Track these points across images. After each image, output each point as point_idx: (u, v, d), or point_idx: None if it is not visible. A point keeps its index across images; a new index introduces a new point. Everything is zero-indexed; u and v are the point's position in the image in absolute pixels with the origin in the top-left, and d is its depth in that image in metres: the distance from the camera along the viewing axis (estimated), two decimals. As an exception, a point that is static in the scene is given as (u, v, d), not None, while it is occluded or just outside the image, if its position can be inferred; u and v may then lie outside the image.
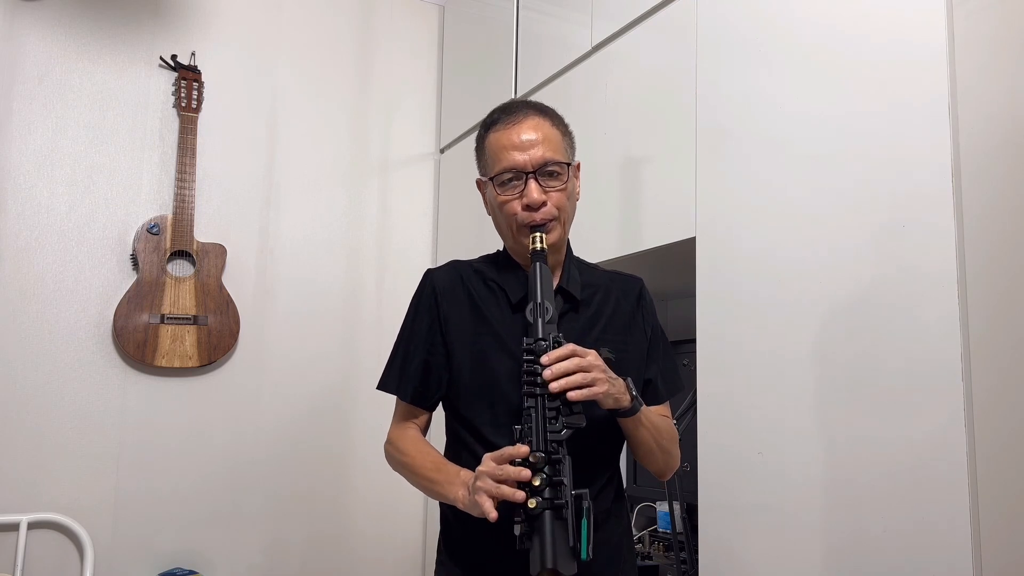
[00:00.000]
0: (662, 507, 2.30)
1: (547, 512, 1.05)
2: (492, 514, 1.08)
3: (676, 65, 1.93)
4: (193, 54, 2.77)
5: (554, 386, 1.12)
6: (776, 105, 1.65)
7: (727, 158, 1.75)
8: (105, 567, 2.47)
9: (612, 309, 1.38)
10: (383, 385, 1.40)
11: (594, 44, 2.25)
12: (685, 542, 1.99)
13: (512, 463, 1.10)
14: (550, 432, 1.12)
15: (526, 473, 1.07)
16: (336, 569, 2.83)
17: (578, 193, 1.39)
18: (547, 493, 1.06)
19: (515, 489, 1.07)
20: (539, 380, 1.14)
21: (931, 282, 1.31)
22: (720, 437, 1.70)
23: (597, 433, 1.29)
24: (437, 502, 1.41)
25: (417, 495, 2.97)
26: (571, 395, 1.13)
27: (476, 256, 1.46)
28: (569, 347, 1.17)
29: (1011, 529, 1.21)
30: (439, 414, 1.41)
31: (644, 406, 1.26)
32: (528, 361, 1.17)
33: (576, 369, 1.14)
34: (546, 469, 1.08)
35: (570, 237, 1.40)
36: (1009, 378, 1.23)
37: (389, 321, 2.93)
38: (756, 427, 1.61)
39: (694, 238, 1.81)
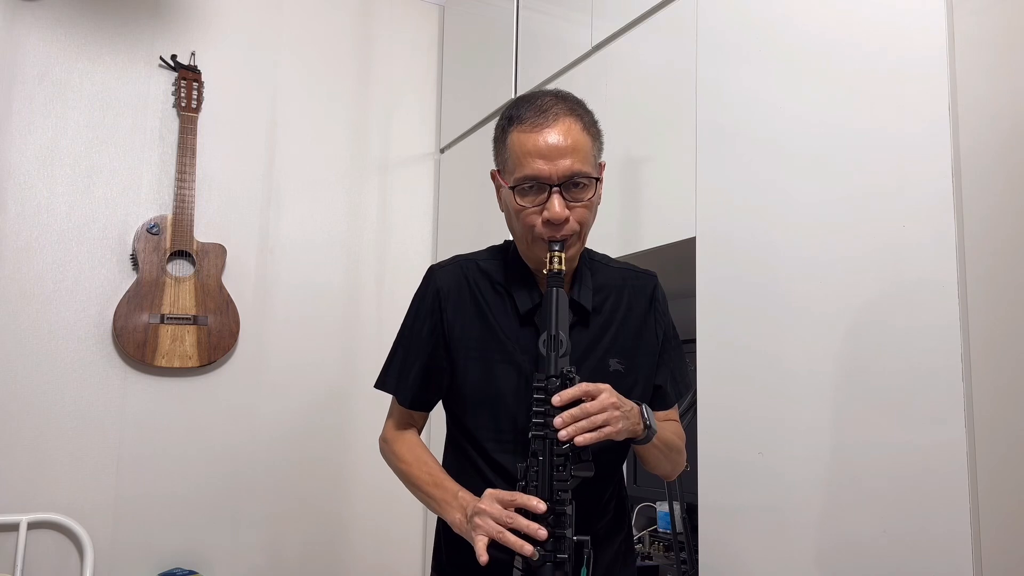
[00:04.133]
0: (662, 507, 2.30)
1: (548, 565, 1.04)
2: (483, 558, 1.06)
3: (676, 65, 1.93)
4: (193, 54, 2.77)
5: (563, 435, 1.09)
6: (776, 105, 1.65)
7: (727, 158, 1.75)
8: (105, 567, 2.47)
9: (624, 314, 1.34)
10: (381, 384, 1.38)
11: (594, 44, 2.25)
12: (685, 542, 1.99)
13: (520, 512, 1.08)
14: (557, 481, 1.09)
15: (543, 533, 1.05)
16: (336, 569, 2.83)
17: (601, 197, 1.29)
18: (549, 545, 1.05)
19: (523, 542, 1.04)
20: (548, 422, 1.10)
21: (931, 282, 1.31)
22: (720, 437, 1.70)
23: (601, 450, 1.27)
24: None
25: (417, 495, 2.97)
26: (579, 440, 1.08)
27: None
28: (581, 388, 1.11)
29: (1011, 532, 1.21)
30: (439, 414, 1.41)
31: (657, 431, 1.23)
32: (538, 400, 1.13)
33: (586, 414, 1.10)
34: (550, 520, 1.06)
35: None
36: (1010, 381, 1.23)
37: (389, 321, 2.93)
38: (756, 427, 1.61)
39: (694, 238, 1.81)
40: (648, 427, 1.19)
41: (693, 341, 1.78)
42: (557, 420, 1.09)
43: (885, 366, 1.37)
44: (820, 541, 1.46)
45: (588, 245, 1.42)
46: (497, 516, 1.08)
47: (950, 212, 1.30)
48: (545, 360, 1.14)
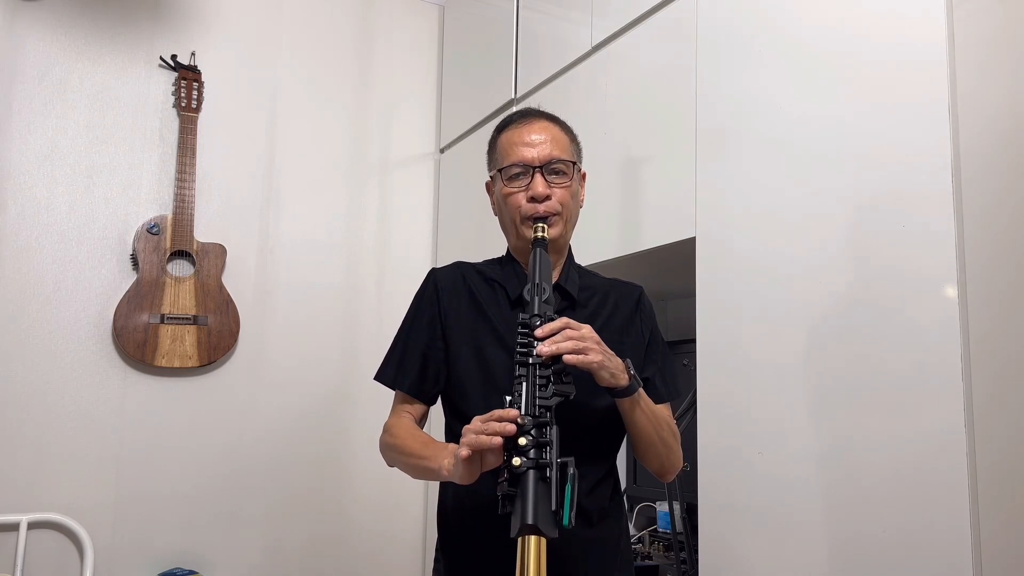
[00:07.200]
0: (662, 507, 2.31)
1: (531, 472, 1.04)
2: (463, 452, 1.08)
3: (676, 65, 1.93)
4: (193, 54, 2.77)
5: (545, 351, 1.13)
6: (776, 105, 1.65)
7: (727, 158, 1.75)
8: (105, 567, 2.47)
9: (609, 312, 1.40)
10: (380, 376, 1.41)
11: (594, 44, 2.25)
12: (685, 542, 1.99)
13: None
14: (539, 398, 1.12)
15: (511, 427, 1.06)
16: (336, 569, 2.83)
17: (582, 200, 1.42)
18: (532, 454, 1.05)
19: (492, 437, 1.06)
20: (532, 351, 1.15)
21: (931, 282, 1.32)
22: (720, 437, 1.70)
23: (594, 428, 1.30)
24: (436, 503, 1.42)
25: (417, 494, 2.97)
26: (566, 358, 1.14)
27: (477, 255, 1.48)
28: (563, 320, 1.18)
29: (1011, 529, 1.21)
30: (439, 417, 1.41)
31: (642, 388, 1.26)
32: (522, 334, 1.18)
33: (567, 338, 1.15)
34: (532, 431, 1.07)
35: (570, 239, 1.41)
36: (1009, 378, 1.23)
37: (389, 321, 2.93)
38: (756, 427, 1.62)
39: (694, 238, 1.81)
40: (633, 376, 1.22)
41: (693, 341, 1.79)
42: (541, 347, 1.14)
43: (884, 365, 1.38)
44: (820, 540, 1.46)
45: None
46: (474, 427, 1.10)
47: (949, 211, 1.30)
48: (529, 304, 1.22)
